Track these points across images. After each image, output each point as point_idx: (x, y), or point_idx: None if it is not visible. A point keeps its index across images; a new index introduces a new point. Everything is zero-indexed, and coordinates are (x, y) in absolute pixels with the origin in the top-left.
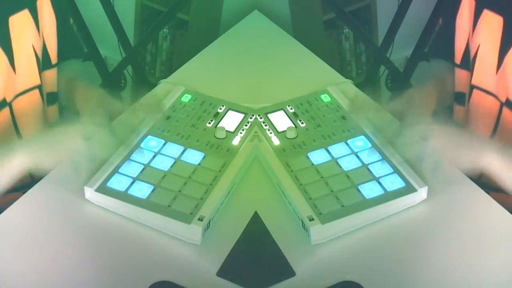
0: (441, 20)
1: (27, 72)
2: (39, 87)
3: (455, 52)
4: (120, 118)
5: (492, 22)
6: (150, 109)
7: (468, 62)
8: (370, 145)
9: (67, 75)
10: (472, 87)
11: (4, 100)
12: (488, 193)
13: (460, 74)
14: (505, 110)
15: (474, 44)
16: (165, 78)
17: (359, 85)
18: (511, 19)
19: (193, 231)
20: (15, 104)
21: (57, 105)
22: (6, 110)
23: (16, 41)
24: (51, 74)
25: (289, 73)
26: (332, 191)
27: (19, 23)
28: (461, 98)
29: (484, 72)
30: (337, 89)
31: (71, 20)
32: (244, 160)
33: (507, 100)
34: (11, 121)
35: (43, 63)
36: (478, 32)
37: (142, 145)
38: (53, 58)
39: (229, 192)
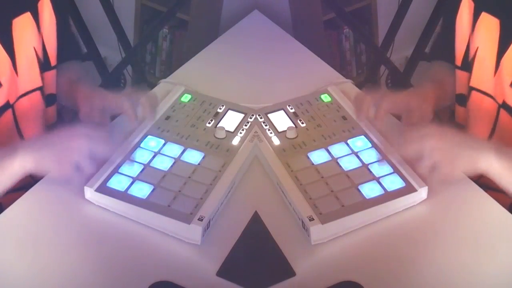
0: (442, 21)
1: (29, 74)
2: (41, 89)
3: (455, 53)
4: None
5: (489, 24)
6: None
7: (468, 64)
8: (370, 145)
9: (67, 76)
10: (471, 89)
11: (8, 102)
12: (486, 191)
13: (461, 75)
14: (502, 111)
15: (473, 46)
16: (165, 78)
17: (359, 85)
18: (507, 22)
19: (193, 231)
20: (17, 106)
21: (56, 106)
22: (9, 112)
23: (18, 44)
24: (50, 76)
25: (289, 73)
26: (332, 191)
27: (22, 26)
28: (462, 99)
29: (482, 74)
30: (337, 89)
31: (71, 21)
32: (244, 160)
33: (504, 102)
34: (14, 122)
35: (43, 65)
36: (476, 34)
37: (142, 145)
38: (52, 59)
39: (229, 192)
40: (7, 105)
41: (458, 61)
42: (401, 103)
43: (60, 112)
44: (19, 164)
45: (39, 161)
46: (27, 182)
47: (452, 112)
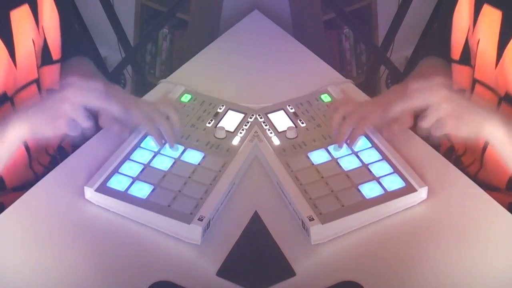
0: (439, 16)
1: (28, 66)
2: (37, 81)
3: (451, 48)
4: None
5: (491, 16)
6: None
7: (467, 58)
8: (370, 145)
9: (79, 72)
10: (475, 81)
11: (5, 94)
12: (486, 191)
13: (460, 69)
14: (504, 104)
15: (474, 39)
16: (165, 78)
17: (359, 85)
18: (509, 13)
19: (193, 231)
20: (17, 99)
21: None
22: (8, 104)
23: (17, 35)
24: (51, 70)
25: (289, 73)
26: (332, 191)
27: (20, 18)
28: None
29: (484, 66)
30: (337, 89)
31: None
32: (244, 160)
33: (506, 94)
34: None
35: (44, 59)
36: (479, 27)
37: (142, 145)
38: (55, 54)
39: (229, 192)
40: (5, 97)
41: (456, 55)
42: (377, 122)
43: None
44: (13, 133)
45: (32, 123)
46: (27, 182)
47: None
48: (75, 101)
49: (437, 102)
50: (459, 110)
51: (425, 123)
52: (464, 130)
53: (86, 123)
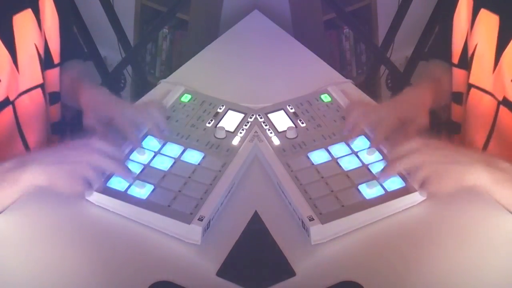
0: (440, 20)
1: (30, 71)
2: (42, 86)
3: (452, 52)
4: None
5: (488, 21)
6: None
7: (466, 62)
8: (370, 145)
9: (69, 75)
10: (470, 86)
11: (7, 98)
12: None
13: (458, 73)
14: (502, 108)
15: (471, 44)
16: (165, 78)
17: (359, 85)
18: (506, 18)
19: (193, 231)
20: (18, 103)
21: (59, 104)
22: (10, 108)
23: (19, 40)
24: (53, 74)
25: (289, 73)
26: (332, 191)
27: (23, 22)
28: (459, 98)
29: (481, 71)
30: (337, 89)
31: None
32: (244, 160)
33: (504, 98)
34: (14, 119)
35: (45, 62)
36: (475, 31)
37: (142, 145)
38: (55, 57)
39: (229, 192)
40: (7, 102)
41: (455, 59)
42: (396, 121)
43: (63, 111)
44: (28, 178)
45: (49, 176)
46: None
47: (449, 111)
48: (95, 168)
49: (418, 167)
50: (438, 171)
51: (414, 183)
52: (447, 186)
53: (99, 184)
